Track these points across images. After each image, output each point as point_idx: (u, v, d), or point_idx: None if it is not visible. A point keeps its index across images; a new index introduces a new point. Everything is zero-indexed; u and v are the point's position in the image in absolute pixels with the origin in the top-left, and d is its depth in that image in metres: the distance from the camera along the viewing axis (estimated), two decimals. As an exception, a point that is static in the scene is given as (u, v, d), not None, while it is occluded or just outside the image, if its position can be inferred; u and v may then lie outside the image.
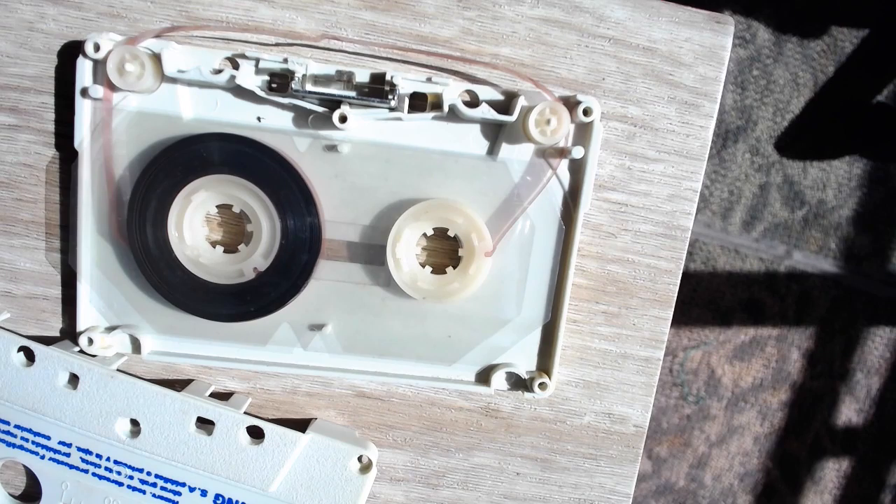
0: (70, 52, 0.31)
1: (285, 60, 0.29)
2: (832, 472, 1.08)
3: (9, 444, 0.32)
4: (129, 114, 0.31)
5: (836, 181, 1.00)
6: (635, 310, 0.35)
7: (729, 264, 1.01)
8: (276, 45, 0.31)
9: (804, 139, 0.99)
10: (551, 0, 0.31)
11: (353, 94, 0.30)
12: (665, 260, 0.34)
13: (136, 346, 0.33)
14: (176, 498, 0.33)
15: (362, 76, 0.30)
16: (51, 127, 0.31)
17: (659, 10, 0.32)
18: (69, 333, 0.34)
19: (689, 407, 1.05)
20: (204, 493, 0.33)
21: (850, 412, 1.06)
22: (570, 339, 0.35)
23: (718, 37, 0.32)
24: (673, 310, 0.35)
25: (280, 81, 0.30)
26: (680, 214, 0.34)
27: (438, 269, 0.33)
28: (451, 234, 0.33)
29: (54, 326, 0.34)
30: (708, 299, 1.02)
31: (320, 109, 0.30)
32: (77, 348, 0.33)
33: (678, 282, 0.34)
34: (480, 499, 0.37)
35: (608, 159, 0.33)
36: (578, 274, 0.34)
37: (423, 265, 0.33)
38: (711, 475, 1.08)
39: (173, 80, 0.30)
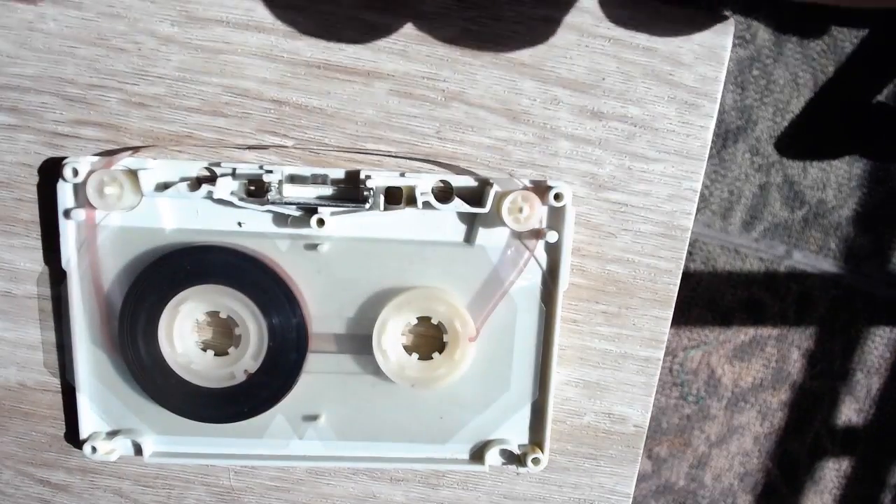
0: (69, 52, 0.31)
1: (261, 168, 0.31)
2: (832, 472, 1.08)
3: None
4: (113, 230, 0.32)
5: (836, 181, 1.00)
6: (635, 310, 0.35)
7: (729, 264, 1.01)
8: (250, 148, 0.32)
9: (804, 139, 0.99)
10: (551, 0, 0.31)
11: (328, 197, 0.32)
12: (665, 260, 0.34)
13: (138, 448, 0.34)
14: None
15: (337, 174, 0.32)
16: (51, 127, 0.31)
17: (659, 10, 0.32)
18: (71, 440, 0.35)
19: (689, 407, 1.05)
20: None
21: (850, 412, 1.06)
22: (569, 339, 0.35)
23: (718, 37, 0.32)
24: (673, 310, 0.35)
25: (258, 184, 0.31)
26: (680, 214, 0.34)
27: (425, 356, 0.34)
28: (434, 321, 0.33)
29: (51, 327, 0.34)
30: (708, 299, 1.02)
31: (298, 214, 0.32)
32: None
33: (678, 282, 0.34)
34: (480, 499, 0.37)
35: (608, 159, 0.33)
36: (578, 274, 0.34)
37: (409, 353, 0.34)
38: (711, 475, 1.08)
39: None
